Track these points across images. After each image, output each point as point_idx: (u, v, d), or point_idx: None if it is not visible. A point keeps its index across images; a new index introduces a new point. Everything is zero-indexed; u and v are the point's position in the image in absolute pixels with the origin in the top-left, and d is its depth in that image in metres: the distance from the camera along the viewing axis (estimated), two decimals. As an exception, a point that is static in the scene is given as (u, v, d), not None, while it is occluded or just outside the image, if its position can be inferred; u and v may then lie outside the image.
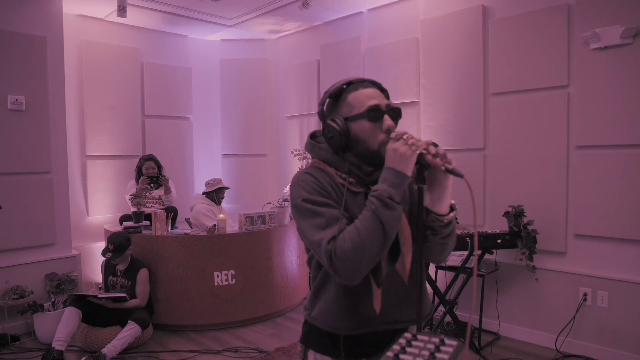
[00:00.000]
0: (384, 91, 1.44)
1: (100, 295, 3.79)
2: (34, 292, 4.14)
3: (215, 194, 4.97)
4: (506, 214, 3.71)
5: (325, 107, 1.42)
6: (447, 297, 3.82)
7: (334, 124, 1.35)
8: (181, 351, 3.77)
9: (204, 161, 6.25)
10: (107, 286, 4.14)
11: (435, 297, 3.83)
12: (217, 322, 4.26)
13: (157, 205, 4.88)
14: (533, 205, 3.70)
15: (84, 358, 3.48)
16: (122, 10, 4.36)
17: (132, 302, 3.89)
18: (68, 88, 4.81)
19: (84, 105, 5.07)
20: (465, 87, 4.12)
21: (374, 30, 4.89)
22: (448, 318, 3.81)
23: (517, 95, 3.82)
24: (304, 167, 1.52)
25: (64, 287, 4.24)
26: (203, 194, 5.03)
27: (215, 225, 4.36)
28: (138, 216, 4.48)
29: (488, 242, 3.61)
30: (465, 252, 3.77)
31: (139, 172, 4.99)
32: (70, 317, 3.66)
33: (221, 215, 4.42)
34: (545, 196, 3.70)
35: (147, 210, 4.49)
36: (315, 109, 5.48)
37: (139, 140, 5.53)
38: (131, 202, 4.60)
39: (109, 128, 5.26)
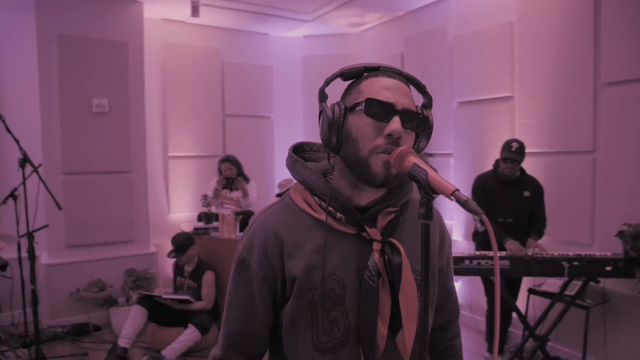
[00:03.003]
0: (425, 93, 1.07)
1: (165, 296, 3.79)
2: (113, 286, 4.32)
3: (288, 196, 4.78)
4: (620, 234, 2.96)
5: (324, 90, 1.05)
6: (538, 331, 3.19)
7: (327, 110, 1.00)
8: None
9: (286, 161, 6.10)
10: (175, 286, 4.17)
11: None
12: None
13: (234, 207, 4.83)
14: (657, 224, 2.92)
15: (145, 358, 3.49)
16: (195, 11, 4.36)
17: (198, 305, 3.85)
18: (151, 90, 4.96)
19: (166, 106, 5.21)
20: (570, 76, 3.42)
21: (462, 17, 4.32)
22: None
23: (636, 85, 3.05)
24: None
25: (140, 283, 4.36)
26: (277, 195, 4.88)
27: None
28: (208, 217, 4.46)
29: (593, 268, 2.92)
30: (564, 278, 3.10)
31: (220, 173, 4.99)
32: (137, 316, 3.72)
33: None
34: (674, 213, 2.91)
35: (221, 212, 4.45)
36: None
37: (220, 140, 5.56)
38: (202, 202, 4.59)
39: (190, 128, 5.35)
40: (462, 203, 0.83)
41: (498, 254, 2.86)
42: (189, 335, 3.63)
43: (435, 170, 1.00)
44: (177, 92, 5.26)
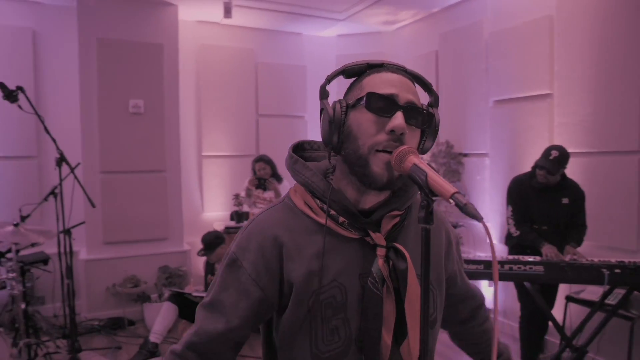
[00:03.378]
0: (431, 91, 1.03)
1: (195, 294, 3.85)
2: (147, 283, 4.43)
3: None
4: (668, 239, 2.78)
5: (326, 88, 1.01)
6: (576, 341, 3.02)
7: (328, 107, 0.97)
8: None
9: (319, 161, 6.10)
10: (206, 285, 4.22)
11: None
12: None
13: (267, 206, 4.85)
14: None
15: (175, 354, 3.55)
16: (227, 12, 4.41)
17: (226, 303, 3.89)
18: (186, 90, 5.06)
19: (200, 107, 5.29)
20: (614, 72, 3.22)
21: (498, 12, 4.16)
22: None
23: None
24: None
25: (172, 280, 4.46)
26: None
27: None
28: (239, 216, 4.50)
29: (637, 276, 2.74)
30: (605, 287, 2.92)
31: (254, 173, 5.03)
32: (167, 312, 3.79)
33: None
34: None
35: (253, 211, 4.48)
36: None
37: (253, 140, 5.60)
38: (234, 202, 4.64)
39: (223, 128, 5.42)
40: (461, 207, 0.78)
41: (529, 259, 2.75)
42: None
43: (437, 171, 0.95)
44: (211, 92, 5.34)
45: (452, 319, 1.24)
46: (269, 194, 4.90)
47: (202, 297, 3.68)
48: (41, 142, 4.39)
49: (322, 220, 0.96)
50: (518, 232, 3.10)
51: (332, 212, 0.96)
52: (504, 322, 4.01)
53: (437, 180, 0.82)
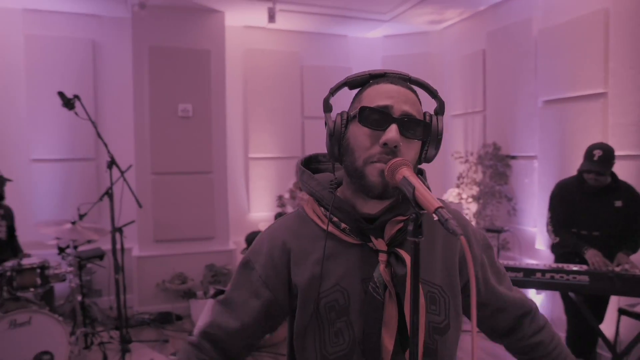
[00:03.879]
0: (437, 99, 1.02)
1: (237, 292, 3.97)
2: (193, 280, 4.61)
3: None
4: None
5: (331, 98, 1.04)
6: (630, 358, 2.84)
7: (329, 120, 1.00)
8: None
9: (364, 163, 6.09)
10: (249, 283, 4.33)
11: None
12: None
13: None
14: None
15: (217, 350, 3.68)
16: (271, 17, 4.49)
17: (268, 302, 3.98)
18: (233, 94, 5.22)
19: (247, 109, 5.43)
20: (675, 70, 2.99)
21: (549, 8, 3.97)
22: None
23: None
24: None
25: (218, 278, 4.61)
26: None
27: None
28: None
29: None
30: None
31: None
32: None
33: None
34: None
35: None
36: (480, 105, 4.80)
37: (299, 142, 5.68)
38: (277, 203, 4.73)
39: (270, 130, 5.53)
40: (443, 222, 0.77)
41: (574, 268, 2.60)
42: (258, 330, 3.76)
43: (427, 186, 0.94)
44: (257, 95, 5.47)
45: (495, 330, 1.18)
46: (312, 196, 4.96)
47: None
48: (99, 146, 4.67)
49: (326, 227, 0.99)
50: (557, 239, 2.95)
51: (335, 219, 0.99)
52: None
53: (424, 194, 0.82)
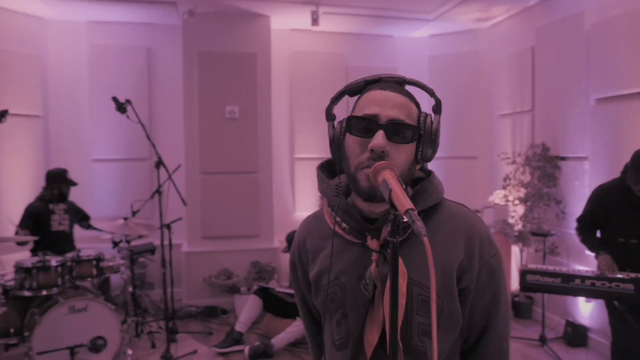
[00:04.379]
0: (434, 97, 1.04)
1: (278, 290, 4.08)
2: (238, 276, 4.79)
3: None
4: None
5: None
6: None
7: (329, 128, 1.07)
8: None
9: (410, 163, 6.04)
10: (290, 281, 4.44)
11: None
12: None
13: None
14: None
15: (257, 343, 3.81)
16: (315, 21, 4.58)
17: (307, 299, 4.06)
18: (279, 96, 5.35)
19: (293, 110, 5.55)
20: None
21: (602, 0, 3.77)
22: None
23: None
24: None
25: (262, 275, 4.76)
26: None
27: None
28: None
29: None
30: None
31: None
32: (252, 305, 4.07)
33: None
34: None
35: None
36: (528, 104, 4.63)
37: (343, 143, 5.72)
38: (319, 203, 4.80)
39: (315, 131, 5.61)
40: (410, 223, 0.80)
41: (619, 276, 2.47)
42: (296, 327, 3.85)
43: (404, 186, 0.97)
44: (303, 96, 5.57)
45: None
46: (355, 196, 4.99)
47: (284, 293, 3.90)
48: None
49: (334, 226, 1.07)
50: (580, 237, 2.83)
51: (339, 219, 1.06)
52: (606, 343, 3.63)
53: (399, 196, 0.84)
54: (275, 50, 5.21)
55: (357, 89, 1.07)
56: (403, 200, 0.83)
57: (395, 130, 0.97)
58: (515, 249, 4.48)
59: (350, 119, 1.00)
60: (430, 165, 1.11)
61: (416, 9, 4.79)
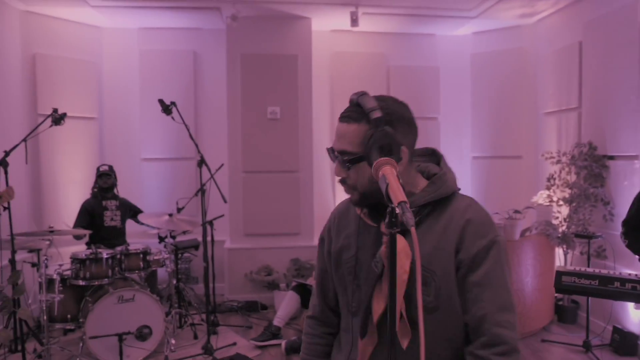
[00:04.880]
0: (373, 115, 1.09)
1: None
2: (278, 272, 4.91)
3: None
4: None
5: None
6: None
7: None
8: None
9: (453, 163, 5.90)
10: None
11: None
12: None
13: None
14: None
15: (293, 338, 3.91)
16: (354, 21, 4.63)
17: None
18: (320, 96, 5.43)
19: (334, 110, 5.61)
20: None
21: (655, -9, 3.59)
22: None
23: None
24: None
25: (301, 272, 4.86)
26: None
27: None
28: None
29: None
30: None
31: None
32: (290, 300, 4.18)
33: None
34: None
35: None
36: (575, 102, 4.47)
37: (383, 142, 5.73)
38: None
39: (355, 131, 5.66)
40: (401, 214, 0.85)
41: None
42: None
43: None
44: (343, 96, 5.53)
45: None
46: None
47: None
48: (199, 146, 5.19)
49: (358, 212, 1.23)
50: (626, 242, 2.70)
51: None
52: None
53: (395, 190, 0.91)
54: (316, 51, 5.30)
55: None
56: (397, 194, 0.90)
57: (342, 160, 1.12)
58: (559, 252, 4.34)
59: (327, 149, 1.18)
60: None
61: (456, 7, 4.73)
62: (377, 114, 1.07)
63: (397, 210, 0.87)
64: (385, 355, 0.96)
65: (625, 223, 2.87)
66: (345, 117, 1.14)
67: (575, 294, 2.72)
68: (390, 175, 0.95)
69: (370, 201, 1.16)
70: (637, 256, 2.76)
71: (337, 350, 1.34)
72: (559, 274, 2.70)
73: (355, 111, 1.11)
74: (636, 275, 2.53)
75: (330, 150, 1.17)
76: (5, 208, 3.17)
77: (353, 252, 1.22)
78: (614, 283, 2.42)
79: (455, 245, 1.11)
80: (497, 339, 1.07)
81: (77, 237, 4.25)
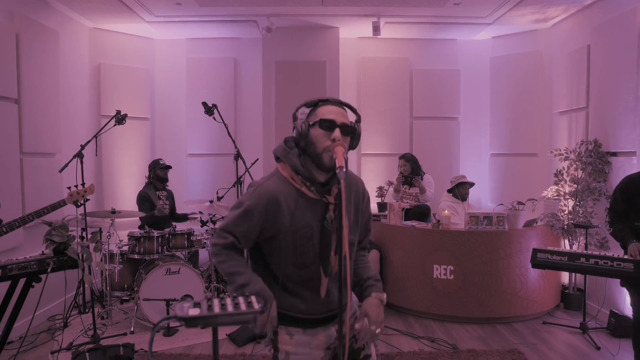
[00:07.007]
0: (356, 114, 1.70)
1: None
2: (306, 257, 5.43)
3: (457, 190, 5.08)
4: None
5: (298, 113, 1.70)
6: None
7: (298, 126, 1.65)
8: (386, 327, 4.18)
9: (472, 160, 6.31)
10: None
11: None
12: (434, 312, 4.44)
13: (412, 201, 5.38)
14: None
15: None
16: (376, 30, 5.09)
17: (363, 279, 4.60)
18: (349, 99, 5.78)
19: (361, 112, 6.05)
20: None
21: (652, -2, 3.86)
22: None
23: None
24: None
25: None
26: (447, 191, 5.22)
27: (439, 220, 4.53)
28: (381, 206, 5.13)
29: None
30: None
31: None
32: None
33: (445, 212, 4.55)
34: None
35: (390, 203, 5.08)
36: (583, 102, 4.75)
37: (406, 140, 6.15)
38: (377, 193, 5.29)
39: (380, 130, 6.12)
40: (338, 174, 1.37)
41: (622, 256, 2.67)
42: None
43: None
44: (369, 99, 6.10)
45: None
46: (414, 190, 5.40)
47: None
48: (236, 143, 5.81)
49: (301, 188, 1.63)
50: (611, 230, 3.00)
51: (307, 183, 1.64)
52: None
53: (340, 159, 1.43)
54: (344, 57, 5.80)
55: (313, 103, 1.67)
56: (342, 162, 1.40)
57: (344, 129, 1.59)
58: (565, 242, 4.63)
59: (323, 120, 1.58)
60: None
61: (472, 14, 5.10)
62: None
63: (337, 172, 1.39)
64: (334, 283, 1.62)
65: (610, 210, 3.13)
66: (339, 103, 1.67)
67: (548, 269, 3.05)
68: (340, 154, 1.50)
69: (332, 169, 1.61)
70: (622, 243, 3.03)
71: (291, 295, 1.63)
72: (535, 251, 3.05)
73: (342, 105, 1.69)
74: (599, 252, 2.85)
75: (331, 120, 1.58)
76: (86, 200, 3.82)
77: (305, 222, 1.60)
78: (580, 259, 2.75)
79: (361, 204, 1.79)
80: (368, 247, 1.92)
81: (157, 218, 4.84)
